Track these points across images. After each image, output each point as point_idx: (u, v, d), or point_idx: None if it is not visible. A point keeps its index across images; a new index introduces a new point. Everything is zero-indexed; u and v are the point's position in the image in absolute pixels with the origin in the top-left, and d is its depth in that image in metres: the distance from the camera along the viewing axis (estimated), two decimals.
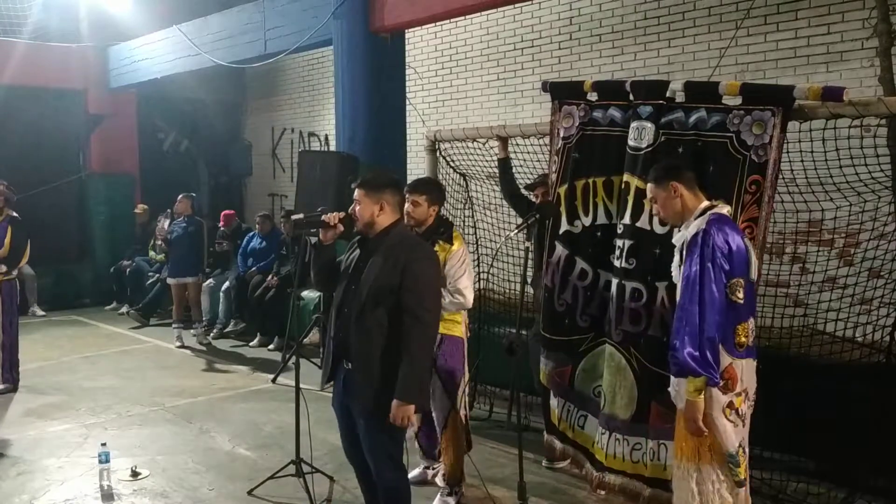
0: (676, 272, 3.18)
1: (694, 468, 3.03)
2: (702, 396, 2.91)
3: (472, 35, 8.60)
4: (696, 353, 2.87)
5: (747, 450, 3.12)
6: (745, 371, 3.04)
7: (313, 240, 3.44)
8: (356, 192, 3.19)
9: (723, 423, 2.95)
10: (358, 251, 3.26)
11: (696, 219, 3.11)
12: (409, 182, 4.15)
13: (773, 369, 4.16)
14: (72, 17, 10.77)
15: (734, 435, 2.97)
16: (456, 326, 4.12)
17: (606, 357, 4.00)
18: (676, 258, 3.19)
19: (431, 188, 4.10)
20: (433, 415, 4.15)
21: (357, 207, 3.18)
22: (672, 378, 3.02)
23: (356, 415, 3.18)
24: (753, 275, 3.11)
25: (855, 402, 4.09)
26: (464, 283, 3.94)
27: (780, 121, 3.44)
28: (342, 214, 3.28)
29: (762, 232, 3.52)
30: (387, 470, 3.20)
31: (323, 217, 3.30)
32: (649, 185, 3.29)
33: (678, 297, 3.04)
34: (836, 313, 4.34)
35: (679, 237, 3.18)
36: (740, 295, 2.97)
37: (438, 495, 4.19)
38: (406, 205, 3.91)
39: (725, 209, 3.16)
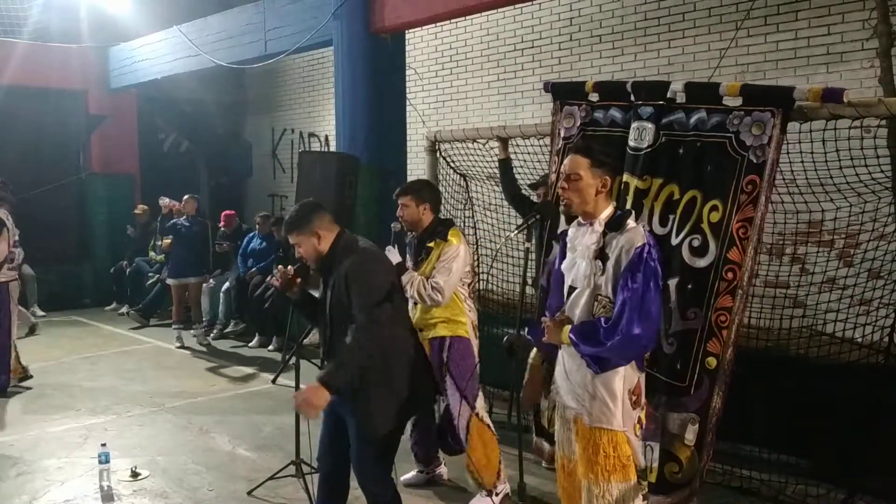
0: (584, 279, 2.95)
1: (615, 486, 2.90)
2: (567, 342, 2.90)
3: (472, 35, 8.61)
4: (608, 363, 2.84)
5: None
6: (643, 386, 2.99)
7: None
8: (290, 238, 3.20)
9: (632, 440, 2.91)
10: (322, 281, 3.28)
11: (615, 229, 2.89)
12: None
13: (773, 369, 4.17)
14: (72, 17, 10.77)
15: (640, 450, 2.95)
16: (461, 327, 4.08)
17: None
18: (584, 265, 2.96)
19: (416, 188, 4.12)
20: (451, 419, 4.09)
21: (299, 251, 3.18)
22: (580, 389, 2.94)
23: (348, 423, 3.19)
24: None
25: (854, 403, 4.09)
26: (445, 280, 3.89)
27: (780, 122, 3.44)
28: (290, 271, 3.26)
29: (757, 232, 3.50)
30: (372, 484, 3.22)
31: (272, 282, 3.31)
32: (578, 159, 2.96)
33: (619, 311, 2.80)
34: (836, 314, 4.34)
35: (588, 238, 2.96)
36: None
37: (476, 496, 4.15)
38: (398, 210, 4.07)
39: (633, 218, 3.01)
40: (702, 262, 3.55)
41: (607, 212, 2.95)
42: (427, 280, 3.92)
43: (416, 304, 4.08)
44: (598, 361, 2.85)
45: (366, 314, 3.01)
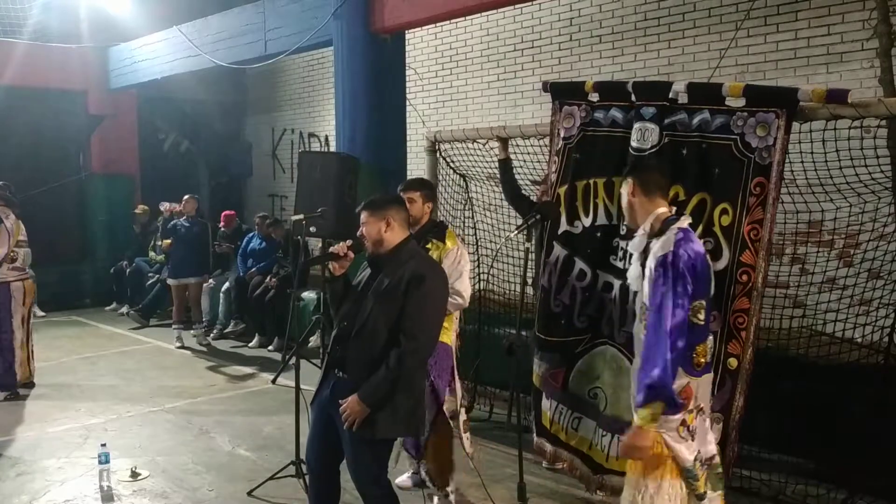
0: (635, 282, 3.09)
1: (653, 482, 2.95)
2: (655, 424, 2.84)
3: (472, 35, 8.60)
4: (665, 381, 2.82)
5: (715, 460, 3.10)
6: (702, 388, 3.03)
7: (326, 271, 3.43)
8: (362, 216, 3.23)
9: (672, 441, 2.92)
10: (368, 270, 3.29)
11: (654, 231, 2.99)
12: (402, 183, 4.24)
13: (773, 370, 4.17)
14: (72, 17, 10.76)
15: (686, 451, 2.95)
16: (445, 333, 4.04)
17: (608, 359, 4.00)
18: (635, 267, 3.10)
19: (425, 184, 4.21)
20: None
21: (363, 229, 3.22)
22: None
23: (339, 424, 3.17)
24: (711, 291, 3.07)
25: (854, 403, 4.09)
26: (462, 285, 3.95)
27: (785, 123, 3.45)
28: (349, 242, 3.31)
29: (767, 234, 3.52)
30: (369, 486, 3.21)
31: (331, 250, 3.33)
32: (624, 181, 3.20)
33: (647, 320, 2.93)
34: (836, 314, 4.34)
35: (636, 244, 3.09)
36: (701, 317, 2.93)
37: (435, 498, 4.16)
38: None
39: (686, 221, 3.05)
40: (716, 266, 3.56)
41: (655, 213, 3.03)
42: None
43: None
44: (646, 391, 2.87)
45: (427, 332, 3.08)
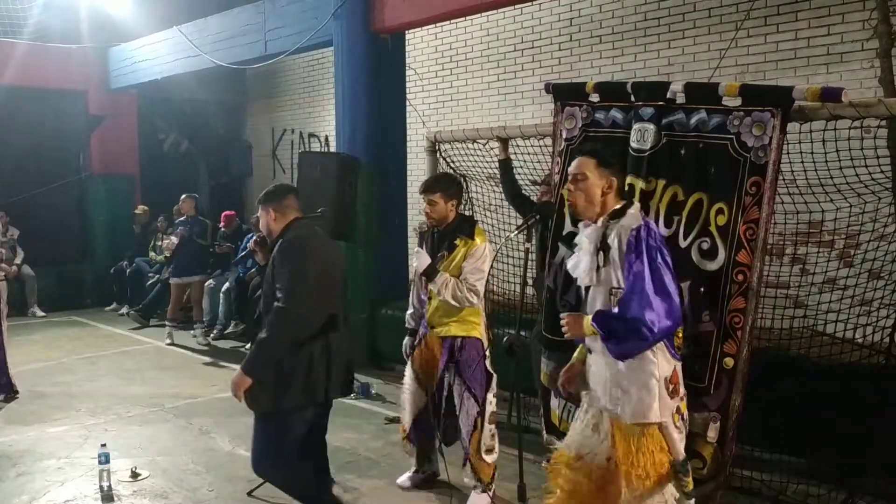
0: (585, 275, 2.99)
1: (655, 489, 2.90)
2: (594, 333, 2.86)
3: (472, 36, 8.61)
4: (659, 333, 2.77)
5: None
6: (680, 374, 2.98)
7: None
8: (258, 210, 3.55)
9: (671, 431, 2.89)
10: None
11: (615, 217, 2.92)
12: (421, 184, 4.21)
13: (773, 370, 4.17)
14: (72, 17, 10.78)
15: (679, 442, 2.92)
16: (474, 328, 4.08)
17: None
18: (586, 260, 2.97)
19: (445, 184, 4.12)
20: (459, 420, 4.09)
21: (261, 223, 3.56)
22: (613, 388, 2.93)
23: None
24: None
25: (855, 404, 4.08)
26: (479, 283, 3.94)
27: (780, 122, 3.44)
28: (257, 238, 3.69)
29: (763, 233, 3.51)
30: (262, 460, 3.43)
31: (248, 246, 3.71)
32: (585, 160, 2.98)
33: (624, 296, 2.80)
34: (837, 314, 4.34)
35: (593, 234, 2.97)
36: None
37: (472, 492, 4.15)
38: (424, 207, 4.09)
39: (637, 207, 3.00)
40: (712, 266, 3.56)
41: (615, 209, 2.96)
42: (460, 281, 3.93)
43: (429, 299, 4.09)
44: (618, 348, 2.83)
45: (286, 294, 3.21)
